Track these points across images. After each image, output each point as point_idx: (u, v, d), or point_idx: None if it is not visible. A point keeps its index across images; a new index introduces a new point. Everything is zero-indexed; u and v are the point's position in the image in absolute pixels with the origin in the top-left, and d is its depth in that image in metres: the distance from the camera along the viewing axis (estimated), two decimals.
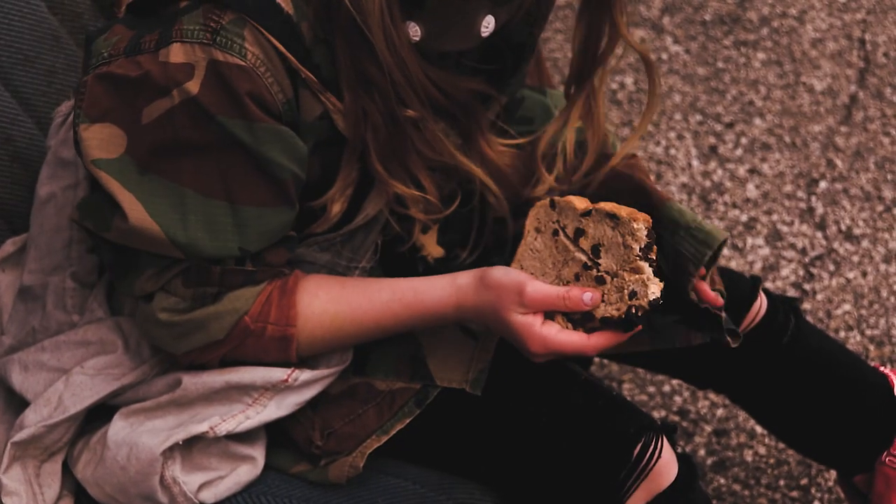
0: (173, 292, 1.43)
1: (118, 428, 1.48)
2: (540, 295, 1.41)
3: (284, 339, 1.46)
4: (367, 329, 1.48)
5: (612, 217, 1.43)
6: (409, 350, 1.54)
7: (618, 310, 1.41)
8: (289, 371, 1.49)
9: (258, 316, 1.44)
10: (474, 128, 1.51)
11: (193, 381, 1.47)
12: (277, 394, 1.49)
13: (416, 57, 1.40)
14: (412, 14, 1.41)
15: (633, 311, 1.41)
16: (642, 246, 1.41)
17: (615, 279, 1.42)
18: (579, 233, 1.46)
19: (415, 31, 1.42)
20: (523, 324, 1.42)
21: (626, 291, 1.41)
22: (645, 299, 1.40)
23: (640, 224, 1.42)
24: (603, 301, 1.43)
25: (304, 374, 1.50)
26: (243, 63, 1.34)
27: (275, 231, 1.43)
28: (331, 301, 1.47)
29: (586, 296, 1.41)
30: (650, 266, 1.41)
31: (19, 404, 1.54)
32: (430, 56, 1.44)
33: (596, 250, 1.44)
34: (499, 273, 1.43)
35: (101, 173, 1.38)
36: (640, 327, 1.44)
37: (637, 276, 1.41)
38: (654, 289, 1.40)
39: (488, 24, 1.48)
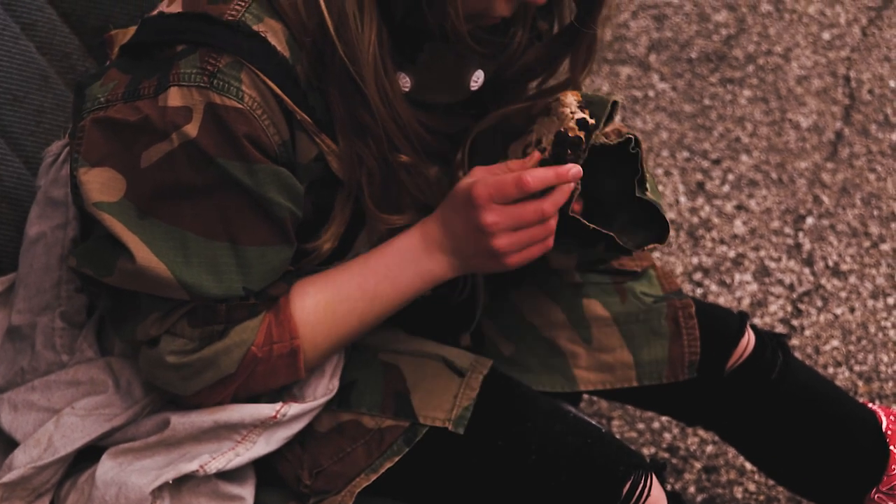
0: (180, 334, 1.43)
1: (107, 468, 1.47)
2: (498, 175, 1.42)
3: (292, 352, 1.46)
4: (354, 298, 1.48)
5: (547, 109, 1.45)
6: (394, 384, 1.54)
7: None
8: (277, 407, 1.49)
9: (263, 342, 1.45)
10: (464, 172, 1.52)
11: (182, 422, 1.47)
12: (266, 430, 1.49)
13: (408, 105, 1.42)
14: (403, 66, 1.42)
15: (562, 132, 1.41)
16: (572, 110, 1.42)
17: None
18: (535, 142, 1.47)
19: (405, 82, 1.43)
20: (492, 224, 1.41)
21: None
22: (571, 122, 1.41)
23: (569, 97, 1.43)
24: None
25: (293, 409, 1.50)
26: (240, 106, 1.35)
27: (276, 269, 1.44)
28: (318, 291, 1.47)
29: (545, 171, 1.41)
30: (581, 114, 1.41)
31: (8, 444, 1.53)
32: (421, 103, 1.46)
33: (539, 142, 1.45)
34: (457, 185, 1.45)
35: (104, 215, 1.38)
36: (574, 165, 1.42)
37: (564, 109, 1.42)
38: (581, 115, 1.41)
39: (478, 79, 1.50)
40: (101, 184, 1.38)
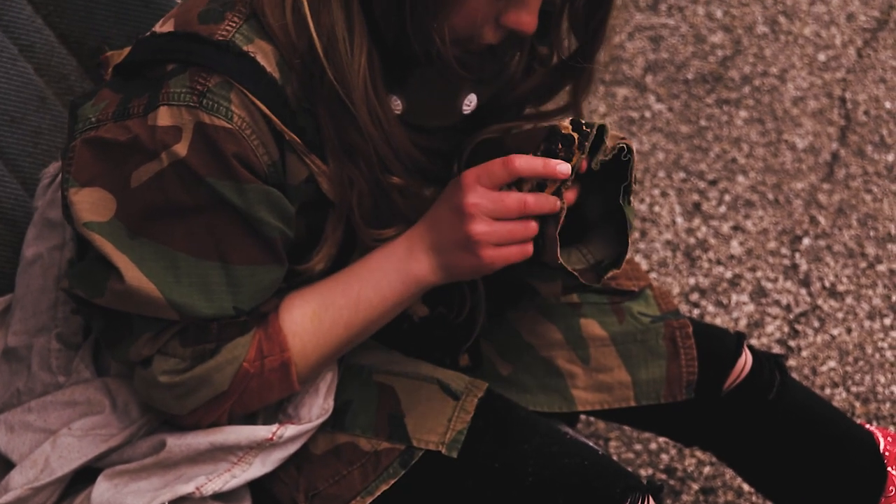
0: (172, 354, 1.43)
1: (102, 489, 1.47)
2: (477, 169, 1.41)
3: (283, 365, 1.46)
4: (339, 306, 1.47)
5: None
6: (388, 406, 1.54)
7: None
8: (273, 429, 1.48)
9: (254, 357, 1.44)
10: None
11: (178, 443, 1.47)
12: (262, 451, 1.49)
13: (400, 127, 1.42)
14: (394, 88, 1.43)
15: (556, 127, 1.41)
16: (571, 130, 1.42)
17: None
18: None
19: (396, 105, 1.44)
20: (477, 230, 1.40)
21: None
22: (565, 121, 1.41)
23: (566, 122, 1.42)
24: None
25: (289, 430, 1.49)
26: (229, 126, 1.35)
27: (267, 288, 1.44)
28: (305, 302, 1.47)
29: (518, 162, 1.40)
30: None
31: (4, 466, 1.53)
32: (414, 125, 1.46)
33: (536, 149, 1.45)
34: (443, 189, 1.44)
35: (94, 235, 1.38)
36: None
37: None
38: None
39: (470, 103, 1.51)
40: (91, 203, 1.38)
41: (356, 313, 1.47)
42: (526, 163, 1.40)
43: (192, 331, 1.42)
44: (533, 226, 1.42)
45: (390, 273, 1.46)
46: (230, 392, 1.45)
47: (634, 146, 1.54)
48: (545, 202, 1.42)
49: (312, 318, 1.47)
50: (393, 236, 1.48)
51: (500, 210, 1.41)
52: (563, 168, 1.41)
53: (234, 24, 1.37)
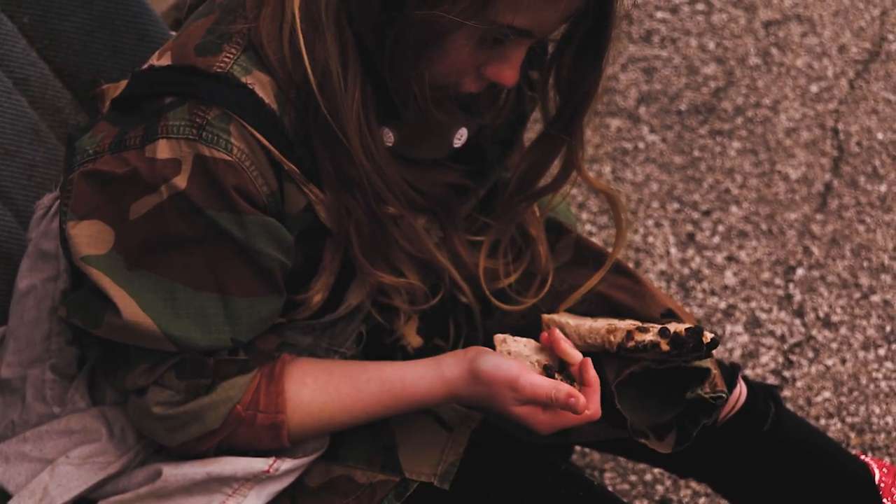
0: (167, 385, 1.43)
1: None
2: (532, 387, 1.42)
3: (275, 426, 1.45)
4: (357, 417, 1.49)
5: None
6: (382, 438, 1.54)
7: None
8: (270, 462, 1.48)
9: (249, 403, 1.44)
10: (450, 225, 1.53)
11: (174, 473, 1.46)
12: (258, 483, 1.49)
13: (393, 160, 1.42)
14: (388, 121, 1.43)
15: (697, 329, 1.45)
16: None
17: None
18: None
19: (388, 137, 1.44)
20: (527, 413, 1.43)
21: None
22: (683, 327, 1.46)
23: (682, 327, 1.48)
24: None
25: (286, 464, 1.49)
26: (229, 157, 1.35)
27: (265, 319, 1.44)
28: (318, 390, 1.47)
29: (570, 400, 1.42)
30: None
31: (0, 497, 1.53)
32: (405, 157, 1.46)
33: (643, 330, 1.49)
34: (488, 366, 1.43)
35: (91, 269, 1.38)
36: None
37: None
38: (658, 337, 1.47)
39: (461, 136, 1.51)
40: (90, 237, 1.38)
41: (372, 420, 1.50)
42: (578, 402, 1.43)
43: (189, 364, 1.42)
44: (582, 403, 1.42)
45: (424, 407, 1.49)
46: (220, 431, 1.44)
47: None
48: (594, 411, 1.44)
49: (322, 410, 1.48)
50: (396, 310, 1.51)
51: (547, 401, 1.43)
52: (585, 410, 1.43)
53: (231, 56, 1.38)
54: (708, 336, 1.46)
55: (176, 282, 1.38)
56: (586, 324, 1.51)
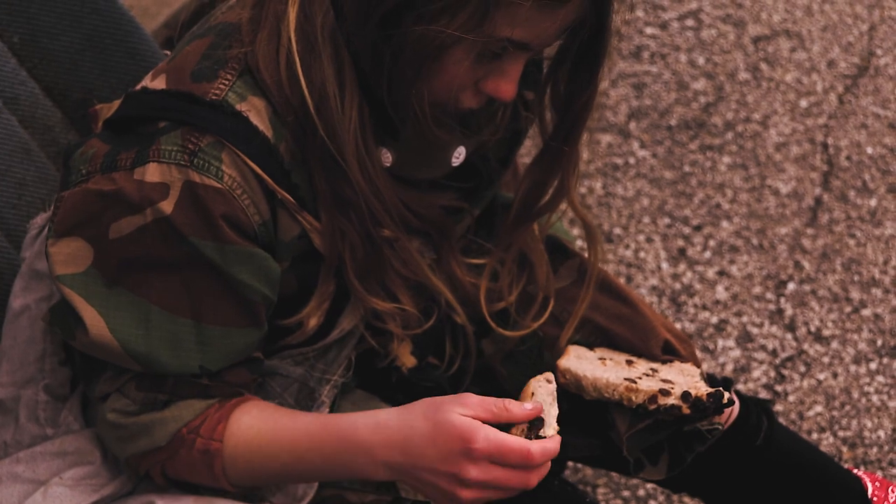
0: (125, 394, 1.43)
1: None
2: (479, 399, 1.35)
3: (208, 453, 1.42)
4: (284, 450, 1.41)
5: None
6: None
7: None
8: None
9: (194, 427, 1.43)
10: (446, 247, 1.53)
11: None
12: None
13: (390, 181, 1.42)
14: (385, 141, 1.43)
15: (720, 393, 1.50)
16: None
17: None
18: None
19: (386, 158, 1.44)
20: (464, 422, 1.33)
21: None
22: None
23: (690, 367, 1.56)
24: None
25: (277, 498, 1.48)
26: (219, 185, 1.35)
27: (239, 351, 1.42)
28: (258, 418, 1.43)
29: (526, 404, 1.35)
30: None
31: None
32: (403, 178, 1.46)
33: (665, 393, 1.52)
34: (449, 411, 1.34)
35: (64, 289, 1.39)
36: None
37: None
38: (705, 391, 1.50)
39: (459, 155, 1.51)
40: (67, 255, 1.38)
41: (294, 465, 1.42)
42: (545, 450, 1.34)
43: (149, 378, 1.42)
44: (532, 479, 1.35)
45: (343, 458, 1.38)
46: (165, 449, 1.43)
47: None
48: (551, 448, 1.35)
49: (255, 437, 1.42)
50: (389, 333, 1.50)
51: (498, 485, 1.34)
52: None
53: (227, 82, 1.37)
54: (727, 397, 1.48)
55: (151, 303, 1.38)
56: (603, 378, 1.52)
